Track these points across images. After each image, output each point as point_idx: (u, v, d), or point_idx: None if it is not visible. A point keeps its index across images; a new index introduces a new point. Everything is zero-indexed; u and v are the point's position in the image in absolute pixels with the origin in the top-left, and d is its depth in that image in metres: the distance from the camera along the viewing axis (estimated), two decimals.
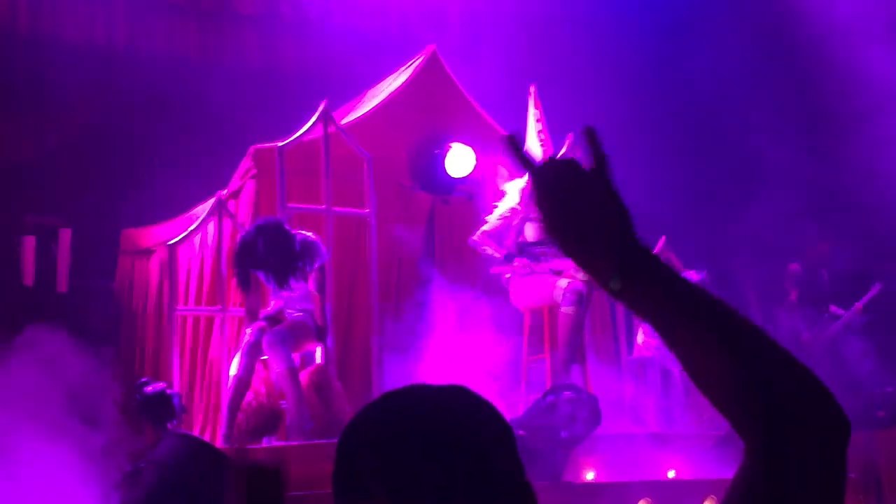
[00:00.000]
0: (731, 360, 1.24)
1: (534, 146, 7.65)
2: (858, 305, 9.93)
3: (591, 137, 1.30)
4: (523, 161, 1.32)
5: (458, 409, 1.29)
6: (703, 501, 6.41)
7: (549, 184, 1.29)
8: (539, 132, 7.69)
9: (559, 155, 8.62)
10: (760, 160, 10.75)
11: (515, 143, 1.33)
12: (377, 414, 1.31)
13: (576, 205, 1.27)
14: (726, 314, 1.26)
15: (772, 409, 1.21)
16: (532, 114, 7.75)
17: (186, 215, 8.75)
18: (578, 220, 1.27)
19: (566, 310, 7.35)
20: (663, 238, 9.11)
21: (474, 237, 7.61)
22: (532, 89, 7.81)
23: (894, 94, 10.45)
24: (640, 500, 6.48)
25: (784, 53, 11.13)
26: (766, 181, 10.36)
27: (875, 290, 9.99)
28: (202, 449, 5.71)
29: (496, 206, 7.68)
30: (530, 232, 7.49)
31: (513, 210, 7.53)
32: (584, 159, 1.30)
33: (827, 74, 10.75)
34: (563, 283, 7.41)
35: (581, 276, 7.39)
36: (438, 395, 1.30)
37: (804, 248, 10.05)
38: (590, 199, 1.27)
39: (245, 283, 7.17)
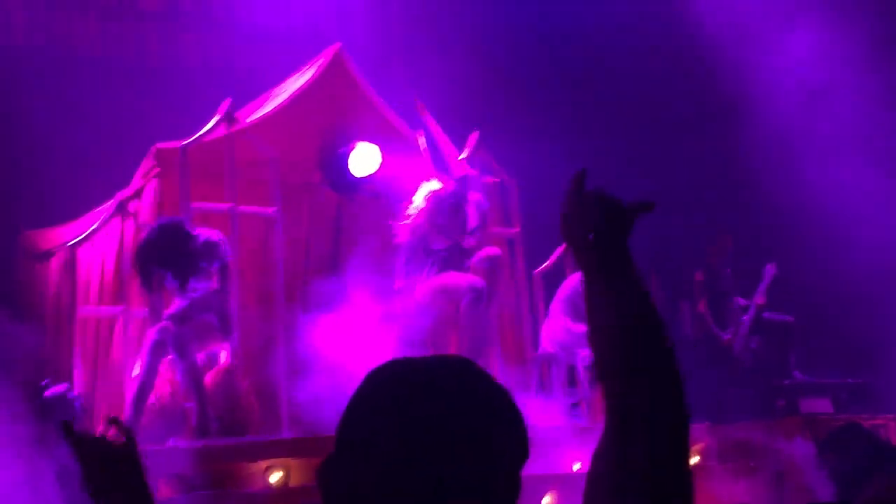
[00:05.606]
0: (626, 352, 1.59)
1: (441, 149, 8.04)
2: (760, 295, 9.98)
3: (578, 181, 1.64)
4: (577, 192, 1.63)
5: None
6: None
7: (586, 205, 1.62)
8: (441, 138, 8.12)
9: (465, 154, 8.80)
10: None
11: (581, 180, 1.64)
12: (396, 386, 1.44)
13: (597, 220, 1.62)
14: (647, 317, 1.58)
15: (634, 398, 1.58)
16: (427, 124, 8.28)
17: (88, 216, 8.60)
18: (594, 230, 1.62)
19: (467, 305, 7.51)
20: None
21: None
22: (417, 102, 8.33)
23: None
24: (546, 493, 6.55)
25: (675, 49, 11.25)
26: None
27: (770, 273, 10.01)
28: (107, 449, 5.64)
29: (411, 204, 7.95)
30: (435, 239, 7.88)
31: (421, 211, 7.87)
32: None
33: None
34: (463, 280, 7.60)
35: (481, 273, 7.66)
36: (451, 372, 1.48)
37: (706, 251, 10.09)
38: (610, 219, 1.62)
39: (147, 284, 7.10)
